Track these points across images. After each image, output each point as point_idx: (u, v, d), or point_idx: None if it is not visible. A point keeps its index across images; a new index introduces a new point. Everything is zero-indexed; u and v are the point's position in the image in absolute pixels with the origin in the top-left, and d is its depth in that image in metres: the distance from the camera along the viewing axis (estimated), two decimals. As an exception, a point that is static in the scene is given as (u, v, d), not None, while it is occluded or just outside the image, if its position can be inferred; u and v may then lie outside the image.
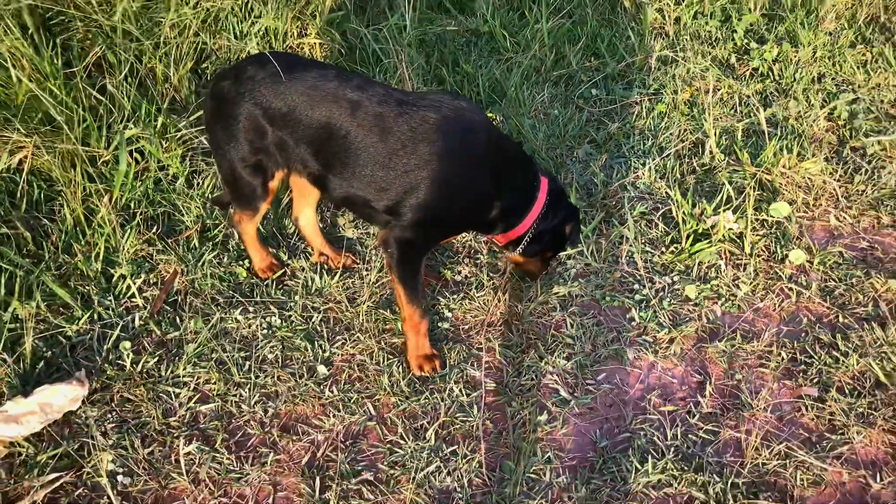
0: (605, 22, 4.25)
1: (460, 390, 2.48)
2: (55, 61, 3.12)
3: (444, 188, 2.42)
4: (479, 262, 2.94)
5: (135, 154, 3.22)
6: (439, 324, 2.71)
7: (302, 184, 2.79)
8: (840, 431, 2.33)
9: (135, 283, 2.82)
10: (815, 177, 3.19)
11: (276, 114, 2.44)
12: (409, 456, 2.31)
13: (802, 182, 3.18)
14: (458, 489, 2.22)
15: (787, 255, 2.86)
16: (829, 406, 2.38)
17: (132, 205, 3.11)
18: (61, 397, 2.42)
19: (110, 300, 2.79)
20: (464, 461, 2.29)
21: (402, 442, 2.35)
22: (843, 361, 2.50)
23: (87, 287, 2.83)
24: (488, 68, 3.84)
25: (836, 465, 2.23)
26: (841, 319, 2.66)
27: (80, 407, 2.45)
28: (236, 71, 2.55)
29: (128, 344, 2.63)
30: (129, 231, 2.98)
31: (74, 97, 3.16)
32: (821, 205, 3.12)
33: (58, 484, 2.24)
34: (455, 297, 2.81)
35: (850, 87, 3.81)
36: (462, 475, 2.25)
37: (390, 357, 2.60)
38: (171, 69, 3.55)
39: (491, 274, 2.88)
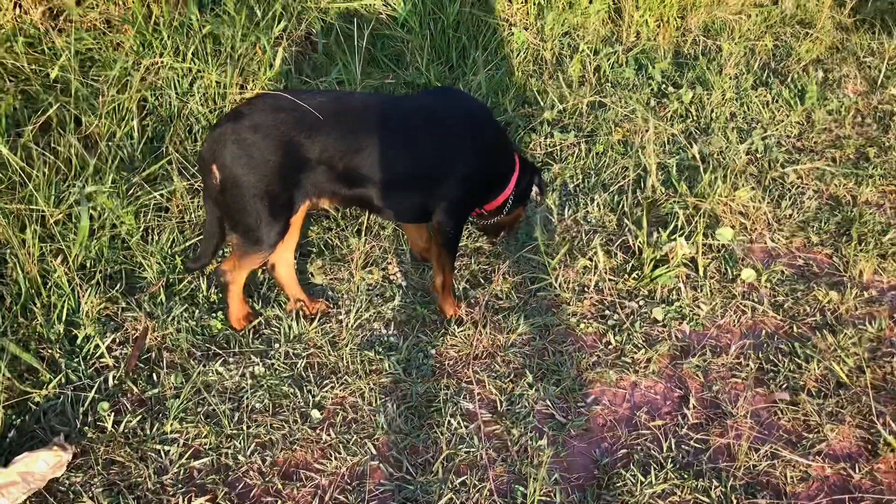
0: (531, 73, 4.49)
1: (458, 423, 2.51)
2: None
3: (478, 165, 2.75)
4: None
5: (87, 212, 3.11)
6: (424, 360, 2.74)
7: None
8: (815, 430, 2.51)
9: (103, 343, 2.71)
10: (748, 204, 3.47)
11: (306, 142, 2.49)
12: (419, 491, 2.31)
13: (737, 209, 3.44)
14: (475, 518, 2.24)
15: (737, 275, 3.08)
16: (802, 408, 2.57)
17: (87, 264, 3.00)
18: (43, 464, 2.28)
19: (78, 362, 2.67)
20: (475, 490, 2.31)
21: (409, 477, 2.35)
22: (805, 367, 2.70)
23: (49, 350, 2.69)
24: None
25: (819, 461, 2.40)
26: (795, 330, 2.88)
27: (63, 473, 2.32)
28: (251, 111, 2.51)
29: (105, 405, 2.52)
30: (88, 290, 2.88)
31: (21, 156, 3.05)
32: (756, 229, 3.39)
33: (51, 556, 2.11)
34: (435, 333, 2.85)
35: (759, 124, 4.18)
36: (476, 504, 2.27)
37: (382, 396, 2.60)
38: (115, 126, 3.48)
39: (468, 309, 2.95)
